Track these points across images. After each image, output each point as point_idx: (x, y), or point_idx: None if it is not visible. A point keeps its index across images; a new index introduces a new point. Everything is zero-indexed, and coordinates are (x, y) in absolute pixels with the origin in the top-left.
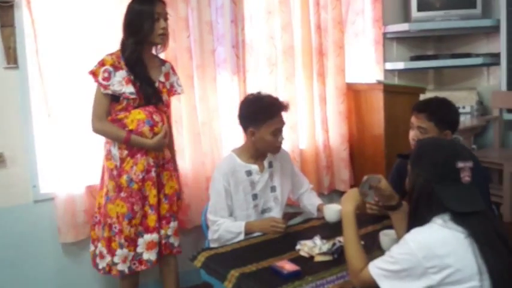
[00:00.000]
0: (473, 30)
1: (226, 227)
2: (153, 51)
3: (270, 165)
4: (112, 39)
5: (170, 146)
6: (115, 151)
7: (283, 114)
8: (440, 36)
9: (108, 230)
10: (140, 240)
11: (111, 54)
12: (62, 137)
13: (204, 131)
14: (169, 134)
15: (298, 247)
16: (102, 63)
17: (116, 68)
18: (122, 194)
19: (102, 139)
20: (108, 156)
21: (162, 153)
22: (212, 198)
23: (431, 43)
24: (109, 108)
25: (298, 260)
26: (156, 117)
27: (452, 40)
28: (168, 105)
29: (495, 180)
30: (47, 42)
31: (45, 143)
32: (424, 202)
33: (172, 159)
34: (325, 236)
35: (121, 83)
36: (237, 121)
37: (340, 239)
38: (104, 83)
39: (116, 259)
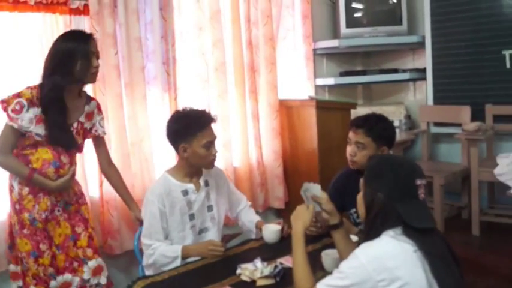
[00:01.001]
0: (400, 46)
1: (161, 251)
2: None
3: (206, 183)
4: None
5: (119, 182)
6: (15, 186)
7: (213, 127)
8: (368, 52)
9: (21, 264)
10: (52, 283)
11: (32, 88)
12: None
13: (134, 152)
14: (113, 170)
15: (238, 271)
16: (17, 95)
17: (32, 104)
18: (25, 231)
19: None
20: (11, 188)
21: (72, 190)
22: (146, 221)
23: (359, 59)
24: (16, 141)
25: (239, 285)
26: (64, 159)
27: (380, 56)
28: (80, 149)
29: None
30: None
31: None
32: (381, 219)
33: (126, 193)
34: (266, 257)
35: (31, 121)
36: (167, 141)
37: (282, 260)
38: (13, 115)
39: None
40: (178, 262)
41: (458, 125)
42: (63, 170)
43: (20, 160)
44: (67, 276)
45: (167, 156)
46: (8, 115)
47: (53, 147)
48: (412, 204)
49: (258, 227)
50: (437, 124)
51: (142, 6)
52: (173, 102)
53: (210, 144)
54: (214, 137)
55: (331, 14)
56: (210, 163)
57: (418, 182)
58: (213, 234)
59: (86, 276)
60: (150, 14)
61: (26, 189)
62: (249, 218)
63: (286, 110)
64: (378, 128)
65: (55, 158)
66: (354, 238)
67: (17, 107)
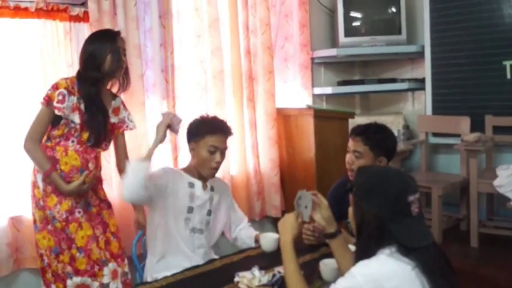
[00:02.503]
0: (399, 56)
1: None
2: (108, 86)
3: (212, 188)
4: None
5: None
6: (40, 182)
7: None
8: (366, 62)
9: (41, 261)
10: (69, 282)
11: (66, 79)
12: None
13: (132, 158)
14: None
15: (236, 279)
16: (56, 87)
17: (69, 93)
18: (49, 227)
19: (28, 167)
20: (36, 184)
21: (94, 194)
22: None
23: (358, 68)
24: (46, 130)
25: None
26: (91, 165)
27: (378, 65)
28: (107, 145)
29: (423, 203)
30: None
31: None
32: (374, 237)
33: None
34: (263, 266)
35: (71, 109)
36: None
37: (280, 269)
38: (59, 105)
39: None
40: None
41: (457, 135)
42: (88, 178)
43: (46, 152)
44: (86, 279)
45: (165, 163)
46: (55, 107)
47: (83, 151)
48: (406, 222)
49: (257, 240)
50: (436, 134)
51: (141, 13)
52: (171, 109)
53: (214, 150)
54: (223, 145)
55: (329, 23)
56: (210, 170)
57: (411, 198)
58: (202, 239)
59: (105, 280)
60: (150, 21)
61: (49, 188)
62: (249, 234)
63: (284, 118)
64: (376, 137)
65: (83, 166)
66: (352, 248)
67: (60, 98)
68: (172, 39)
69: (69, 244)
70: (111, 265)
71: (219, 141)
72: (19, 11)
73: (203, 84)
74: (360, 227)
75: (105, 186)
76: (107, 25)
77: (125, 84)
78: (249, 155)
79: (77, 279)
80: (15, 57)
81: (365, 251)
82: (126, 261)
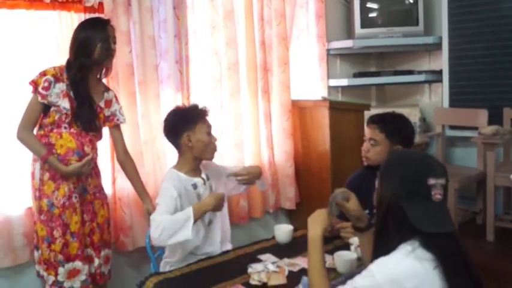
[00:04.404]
0: (416, 47)
1: (169, 218)
2: (98, 76)
3: (207, 177)
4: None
5: (134, 173)
6: (37, 171)
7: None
8: (383, 53)
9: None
10: (61, 270)
11: (55, 67)
12: None
13: (147, 150)
14: (129, 163)
15: (249, 271)
16: (43, 74)
17: (57, 80)
18: (42, 217)
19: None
20: (32, 174)
21: (93, 181)
22: (162, 202)
23: (374, 60)
24: (39, 118)
25: (251, 284)
26: (87, 149)
27: (395, 57)
28: (100, 134)
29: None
30: None
31: None
32: (391, 219)
33: (141, 185)
34: (277, 255)
35: (58, 96)
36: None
37: (294, 261)
38: (43, 92)
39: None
40: (190, 225)
41: (475, 128)
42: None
43: (40, 140)
44: (77, 263)
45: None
46: (39, 93)
47: (77, 134)
48: (422, 205)
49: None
50: (452, 127)
51: (156, 4)
52: (186, 101)
53: (210, 132)
54: (211, 127)
55: (345, 13)
56: (212, 151)
57: (432, 181)
58: (217, 224)
59: (101, 261)
60: (164, 12)
61: (47, 175)
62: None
63: (299, 110)
64: (393, 125)
65: (79, 148)
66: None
67: (46, 84)
68: (186, 30)
69: (64, 230)
70: (89, 251)
71: (209, 123)
72: (34, 3)
73: (218, 76)
74: (378, 206)
75: (119, 177)
76: (121, 16)
77: (107, 71)
78: (264, 147)
79: (68, 265)
80: (30, 49)
81: (382, 235)
82: (102, 253)
